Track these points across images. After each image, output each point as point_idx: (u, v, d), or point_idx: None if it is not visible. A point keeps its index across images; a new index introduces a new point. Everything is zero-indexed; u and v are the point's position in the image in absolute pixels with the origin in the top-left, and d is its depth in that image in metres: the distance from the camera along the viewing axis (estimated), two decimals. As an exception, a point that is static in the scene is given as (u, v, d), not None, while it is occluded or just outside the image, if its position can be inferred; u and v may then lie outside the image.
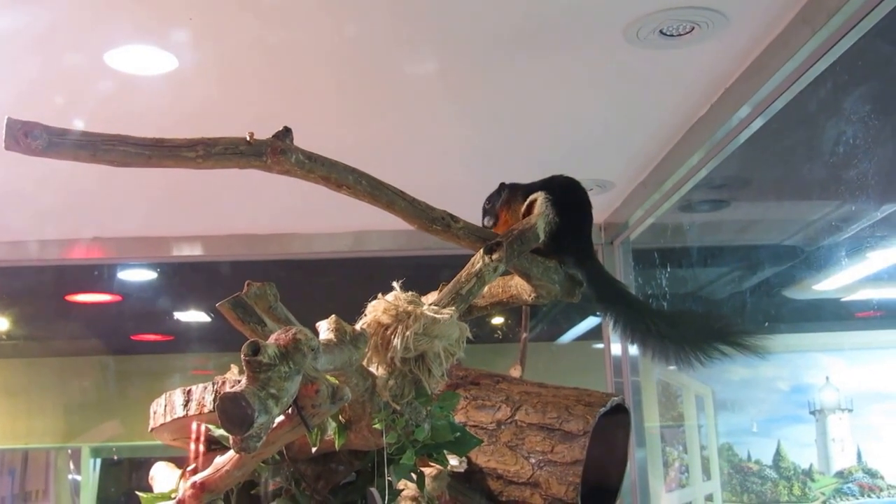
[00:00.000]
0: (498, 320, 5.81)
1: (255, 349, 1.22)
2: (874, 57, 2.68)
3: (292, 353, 1.25)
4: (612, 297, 2.35)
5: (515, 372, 2.51)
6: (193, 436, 1.94)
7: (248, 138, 1.77)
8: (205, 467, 1.73)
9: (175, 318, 6.24)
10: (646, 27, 2.57)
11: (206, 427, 1.90)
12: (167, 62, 2.73)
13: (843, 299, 4.07)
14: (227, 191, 3.77)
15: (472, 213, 2.29)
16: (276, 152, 1.80)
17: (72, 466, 6.70)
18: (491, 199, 2.43)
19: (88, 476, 6.67)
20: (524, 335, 2.67)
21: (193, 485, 1.69)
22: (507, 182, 2.42)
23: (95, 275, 5.00)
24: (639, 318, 2.28)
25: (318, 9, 2.50)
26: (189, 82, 2.87)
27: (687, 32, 2.59)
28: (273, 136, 1.82)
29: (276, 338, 1.27)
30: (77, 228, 4.26)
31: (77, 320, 6.22)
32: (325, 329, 1.60)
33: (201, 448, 1.95)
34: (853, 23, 2.34)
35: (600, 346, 4.50)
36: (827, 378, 4.43)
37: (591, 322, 5.74)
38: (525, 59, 2.79)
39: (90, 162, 1.62)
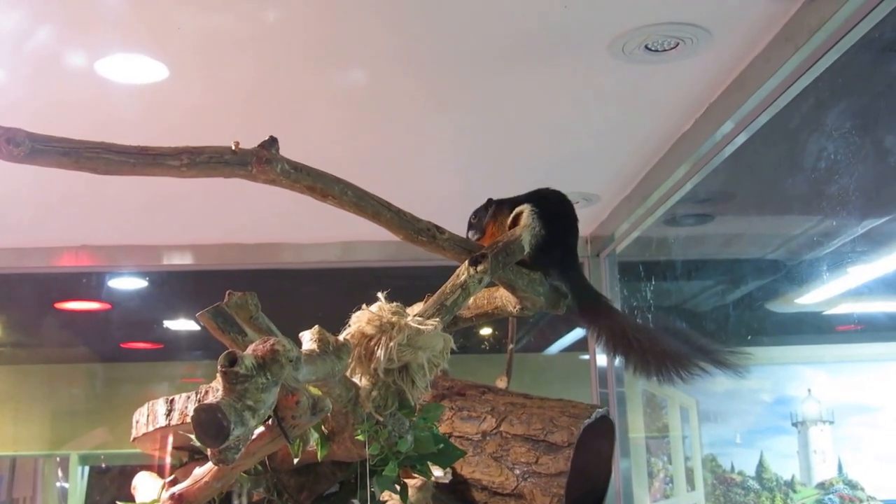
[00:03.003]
0: (486, 331, 5.78)
1: (233, 360, 1.19)
2: (855, 74, 2.68)
3: (270, 364, 1.22)
4: (594, 311, 2.32)
5: (501, 383, 2.49)
6: (175, 446, 1.91)
7: (233, 147, 1.74)
8: (185, 478, 1.70)
9: (165, 326, 6.20)
10: (631, 42, 2.55)
11: (188, 437, 1.86)
12: (157, 71, 2.71)
13: (824, 313, 4.06)
14: (216, 200, 3.74)
15: (458, 225, 2.27)
16: (261, 162, 1.77)
17: (60, 474, 6.64)
18: (477, 214, 2.41)
19: (76, 484, 6.61)
20: (510, 346, 2.65)
21: (172, 496, 1.66)
22: (495, 198, 2.41)
23: (84, 283, 4.96)
24: (621, 332, 2.26)
25: (309, 21, 2.48)
26: (179, 91, 2.85)
27: (672, 48, 2.58)
28: (259, 146, 1.79)
29: (254, 349, 1.24)
30: (65, 236, 4.23)
31: (66, 328, 6.18)
32: (309, 339, 1.58)
33: (183, 459, 1.92)
34: (834, 40, 2.34)
35: (586, 357, 4.48)
36: (809, 390, 4.42)
37: (577, 333, 5.72)
38: (512, 74, 2.78)
39: (73, 169, 1.59)
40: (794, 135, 3.05)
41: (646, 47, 2.58)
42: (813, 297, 3.88)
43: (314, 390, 1.52)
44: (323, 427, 1.75)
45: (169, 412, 1.89)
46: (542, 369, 6.53)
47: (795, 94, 2.64)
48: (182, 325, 6.19)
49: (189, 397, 1.88)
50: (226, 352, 1.23)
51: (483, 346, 5.99)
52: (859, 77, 2.75)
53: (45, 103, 2.91)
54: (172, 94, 2.86)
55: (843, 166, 2.99)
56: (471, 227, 2.41)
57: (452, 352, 1.85)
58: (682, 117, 3.04)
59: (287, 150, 1.83)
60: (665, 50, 2.59)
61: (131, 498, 2.06)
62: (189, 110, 3.00)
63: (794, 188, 3.47)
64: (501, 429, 2.18)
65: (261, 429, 1.46)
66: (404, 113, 3.08)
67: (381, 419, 1.72)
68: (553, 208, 2.28)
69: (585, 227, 4.18)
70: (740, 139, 2.94)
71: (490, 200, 2.41)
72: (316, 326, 1.59)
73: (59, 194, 3.64)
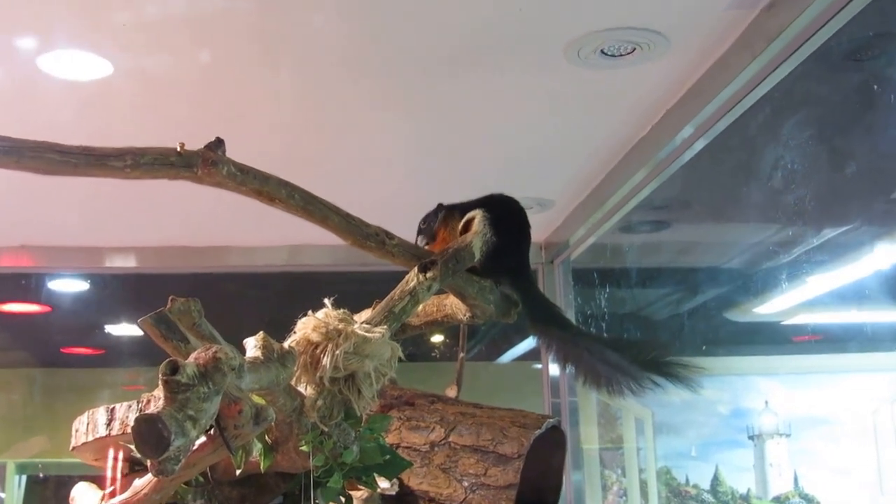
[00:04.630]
0: (436, 339, 5.79)
1: (174, 368, 1.19)
2: (814, 83, 2.72)
3: (212, 372, 1.22)
4: (544, 320, 2.33)
5: (452, 392, 2.50)
6: (114, 456, 1.90)
7: (178, 149, 1.75)
8: (125, 489, 1.69)
9: (106, 331, 6.14)
10: (586, 47, 2.57)
11: (128, 448, 1.86)
12: (101, 68, 2.69)
13: (781, 323, 4.12)
14: (161, 201, 3.72)
15: (409, 231, 2.29)
16: (207, 164, 1.78)
17: (-5, 482, 6.56)
18: (427, 219, 2.42)
19: (13, 493, 6.54)
20: (461, 355, 2.65)
21: (111, 507, 1.65)
22: (446, 203, 2.42)
23: (24, 284, 4.91)
24: (571, 343, 2.27)
25: (257, 19, 2.48)
26: (123, 89, 2.83)
27: (628, 53, 2.60)
28: (205, 147, 1.79)
29: (196, 356, 1.24)
30: (4, 236, 4.18)
31: (4, 331, 6.10)
32: (253, 346, 1.58)
33: (123, 469, 1.91)
34: (793, 48, 2.37)
35: (539, 366, 4.50)
36: (766, 402, 4.47)
37: (530, 343, 5.74)
38: (466, 77, 2.79)
39: (15, 169, 1.59)
40: (751, 142, 3.09)
41: (602, 52, 2.59)
42: (770, 307, 3.93)
43: (258, 399, 1.52)
44: (266, 437, 1.75)
45: (109, 421, 1.87)
46: (494, 378, 6.54)
47: (753, 102, 2.66)
48: (124, 330, 6.13)
49: (130, 406, 1.87)
50: (167, 360, 1.23)
51: (433, 355, 6.00)
52: (818, 86, 2.79)
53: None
54: (117, 91, 2.84)
55: (800, 175, 3.04)
56: (420, 232, 2.42)
57: (401, 360, 1.86)
58: (638, 122, 3.07)
59: (234, 152, 1.83)
60: (621, 55, 2.61)
61: (69, 509, 2.05)
62: (134, 108, 2.99)
63: (752, 196, 3.51)
64: (450, 439, 2.18)
65: (202, 439, 1.46)
66: (355, 115, 3.08)
67: (326, 429, 1.73)
68: (505, 214, 2.29)
69: (539, 232, 4.20)
70: (698, 145, 2.97)
71: (440, 205, 2.42)
72: (260, 333, 1.60)
73: (-4, 192, 3.61)
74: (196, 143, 1.79)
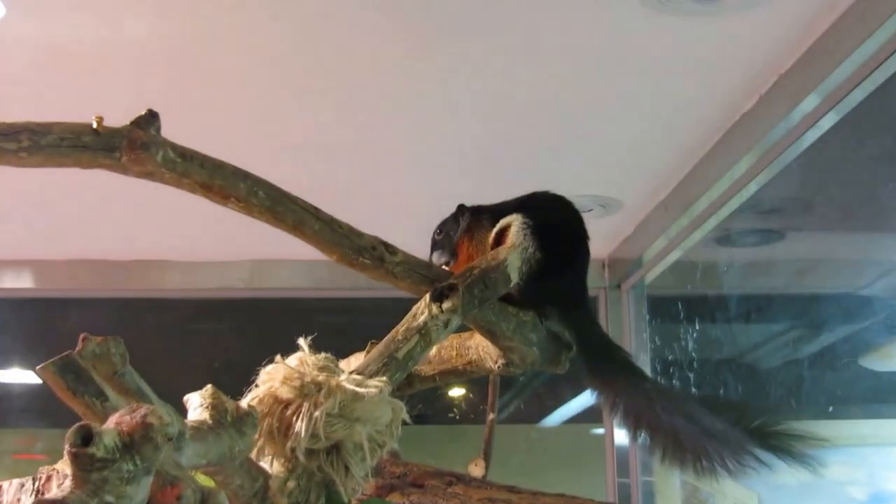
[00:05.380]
0: (457, 393, 5.80)
1: (87, 436, 1.19)
2: None
3: (140, 443, 1.22)
4: (607, 369, 2.32)
5: (477, 469, 2.50)
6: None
7: (94, 125, 1.75)
8: None
9: (-8, 377, 6.17)
10: (671, -13, 2.59)
11: (20, 544, 1.86)
12: (-11, 9, 2.71)
13: (942, 373, 4.11)
14: (71, 199, 3.73)
15: (422, 245, 2.29)
16: (134, 147, 1.77)
17: None
18: (444, 227, 2.42)
19: None
20: (491, 416, 2.66)
21: None
22: (468, 204, 2.42)
23: None
24: (645, 402, 2.26)
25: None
26: (21, 37, 2.85)
27: (727, -7, 2.61)
28: (132, 123, 1.79)
29: (119, 420, 1.24)
30: None
31: None
32: (198, 405, 1.58)
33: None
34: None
35: (600, 431, 4.49)
36: (919, 484, 4.47)
37: (587, 399, 5.75)
38: (498, 32, 2.81)
39: None
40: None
41: (691, -8, 2.61)
42: (927, 351, 3.93)
43: (204, 480, 1.52)
44: (217, 532, 1.75)
45: (-7, 505, 1.88)
46: (538, 448, 6.55)
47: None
48: (16, 376, 6.15)
49: (23, 485, 1.87)
50: (78, 424, 1.23)
51: (452, 416, 6.01)
52: None
53: None
54: (11, 39, 2.85)
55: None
56: (435, 245, 2.41)
57: (405, 424, 1.86)
58: (742, 91, 3.08)
59: (173, 131, 1.83)
60: (717, -3, 2.63)
61: None
62: (37, 68, 3.00)
63: (901, 195, 3.51)
64: (475, 537, 2.19)
65: (126, 536, 1.46)
66: (347, 80, 3.10)
67: (300, 521, 1.73)
68: (553, 220, 2.29)
69: (602, 245, 4.21)
70: (826, 122, 2.97)
71: (462, 207, 2.41)
72: (209, 387, 1.60)
73: None
74: (119, 121, 1.79)
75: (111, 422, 1.25)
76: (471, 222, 2.37)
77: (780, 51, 2.86)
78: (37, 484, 1.87)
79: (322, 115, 3.25)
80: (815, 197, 3.76)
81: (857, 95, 2.81)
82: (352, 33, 2.85)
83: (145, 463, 1.23)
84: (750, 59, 2.90)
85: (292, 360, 1.80)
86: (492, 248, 2.24)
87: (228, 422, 1.55)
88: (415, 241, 2.24)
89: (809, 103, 2.91)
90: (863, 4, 2.58)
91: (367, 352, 1.99)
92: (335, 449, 1.75)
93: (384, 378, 1.84)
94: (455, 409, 5.98)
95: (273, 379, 1.77)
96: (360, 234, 2.02)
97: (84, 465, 1.20)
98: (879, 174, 3.50)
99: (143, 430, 1.23)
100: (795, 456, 2.13)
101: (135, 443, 1.22)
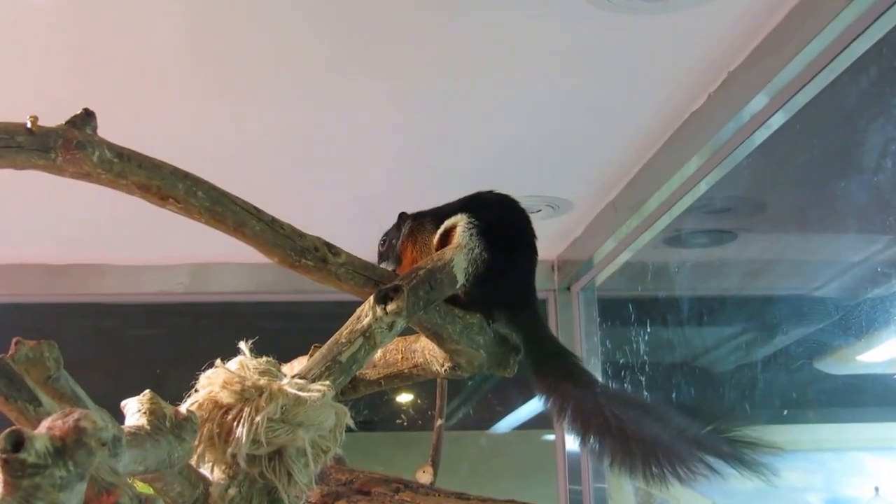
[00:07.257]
0: (405, 398, 5.80)
1: (18, 442, 1.18)
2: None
3: (73, 448, 1.21)
4: (556, 373, 2.31)
5: (425, 476, 2.50)
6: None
7: (29, 124, 1.74)
8: None
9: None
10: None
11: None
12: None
13: (896, 376, 4.13)
14: (7, 201, 3.72)
15: (366, 246, 2.28)
16: (70, 147, 1.77)
17: None
18: (387, 237, 2.43)
19: None
20: (439, 422, 2.66)
21: None
22: (409, 212, 2.42)
23: None
24: (594, 407, 2.25)
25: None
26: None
27: (677, -10, 2.63)
28: (67, 123, 1.79)
29: (51, 425, 1.23)
30: None
31: None
32: (135, 411, 1.57)
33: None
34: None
35: (551, 437, 4.50)
36: (876, 489, 4.48)
37: (537, 405, 5.75)
38: (447, 27, 2.81)
39: None
40: (852, 117, 3.09)
41: (640, -10, 2.62)
42: (882, 353, 3.93)
43: (142, 487, 1.52)
44: (156, 542, 1.75)
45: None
46: (488, 455, 6.56)
47: (855, 58, 2.66)
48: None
49: (-47, 495, 1.86)
50: (8, 429, 1.23)
51: (398, 422, 6.01)
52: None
53: None
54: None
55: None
56: (381, 257, 2.42)
57: (350, 430, 1.85)
58: (691, 89, 3.09)
59: (110, 133, 1.82)
60: (667, -7, 2.64)
61: None
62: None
63: (854, 195, 3.52)
64: (423, 546, 2.19)
65: (61, 545, 1.45)
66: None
67: (241, 530, 1.73)
68: (500, 220, 2.29)
69: (550, 247, 4.21)
70: (775, 121, 2.99)
71: (403, 214, 2.42)
72: (146, 392, 1.59)
73: None
74: (55, 120, 1.78)
75: (43, 427, 1.25)
76: (413, 227, 2.38)
77: (728, 48, 2.88)
78: (-33, 495, 1.86)
79: (264, 116, 3.24)
80: (766, 197, 3.78)
81: (808, 93, 2.82)
82: (285, 33, 2.85)
83: (78, 469, 1.22)
84: (698, 56, 2.92)
85: (233, 364, 1.79)
86: (437, 250, 2.24)
87: (167, 427, 1.55)
88: (359, 242, 2.24)
89: (758, 102, 2.93)
90: (811, 1, 2.60)
91: (311, 355, 1.98)
92: (277, 455, 1.75)
93: (327, 382, 1.83)
94: (403, 416, 5.99)
95: (213, 383, 1.76)
96: (302, 235, 2.02)
97: (15, 471, 1.19)
98: (831, 174, 3.52)
99: (75, 434, 1.22)
100: (747, 463, 2.13)
101: (67, 448, 1.22)
